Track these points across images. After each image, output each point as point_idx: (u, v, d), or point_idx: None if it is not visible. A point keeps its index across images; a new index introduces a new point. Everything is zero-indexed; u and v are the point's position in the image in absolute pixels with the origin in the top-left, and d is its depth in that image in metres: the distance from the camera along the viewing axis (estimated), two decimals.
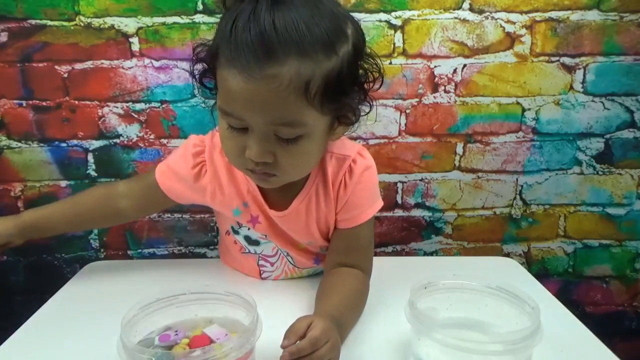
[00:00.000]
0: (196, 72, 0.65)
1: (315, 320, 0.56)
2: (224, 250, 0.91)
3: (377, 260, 0.80)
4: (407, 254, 1.15)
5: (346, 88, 0.61)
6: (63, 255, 1.11)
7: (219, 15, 0.62)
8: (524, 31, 1.01)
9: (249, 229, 0.80)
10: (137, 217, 1.00)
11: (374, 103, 0.68)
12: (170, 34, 0.99)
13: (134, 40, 0.99)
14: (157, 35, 0.99)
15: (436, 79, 1.04)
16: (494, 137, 1.08)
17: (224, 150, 0.67)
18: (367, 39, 0.65)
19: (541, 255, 1.16)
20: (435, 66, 1.03)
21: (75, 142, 1.04)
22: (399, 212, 1.12)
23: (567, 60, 1.03)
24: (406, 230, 1.14)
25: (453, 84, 1.04)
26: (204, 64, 0.64)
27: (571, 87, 1.05)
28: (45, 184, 1.06)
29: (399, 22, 1.00)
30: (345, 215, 0.76)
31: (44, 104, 1.02)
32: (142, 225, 1.11)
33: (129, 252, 1.12)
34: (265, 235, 0.80)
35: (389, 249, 1.15)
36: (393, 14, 1.00)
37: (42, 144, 1.04)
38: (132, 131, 1.04)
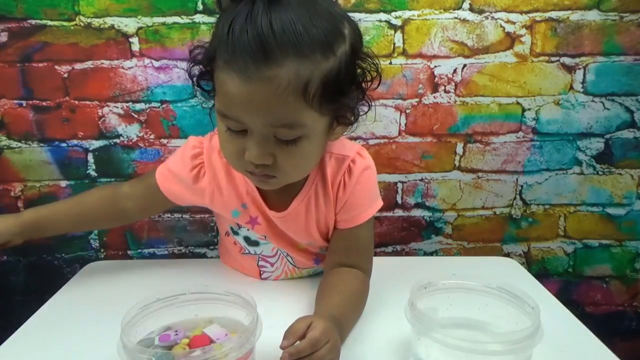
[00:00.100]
0: (193, 74, 0.65)
1: (315, 321, 0.56)
2: (224, 251, 0.91)
3: (377, 260, 0.80)
4: (407, 254, 1.15)
5: (344, 88, 0.61)
6: (63, 255, 1.11)
7: (218, 15, 0.61)
8: (524, 31, 1.01)
9: (248, 229, 0.80)
10: (140, 218, 1.01)
11: (373, 103, 0.68)
12: (170, 34, 0.99)
13: (134, 40, 0.99)
14: (157, 35, 0.99)
15: (436, 79, 1.04)
16: (494, 137, 1.08)
17: (223, 153, 0.67)
18: (367, 39, 0.65)
19: (541, 255, 1.16)
20: (435, 66, 1.03)
21: (75, 142, 1.04)
22: (399, 212, 1.12)
23: (567, 60, 1.03)
24: (406, 230, 1.14)
25: (453, 84, 1.04)
26: (202, 66, 0.64)
27: (571, 87, 1.05)
28: (45, 184, 1.06)
29: (399, 22, 1.00)
30: (345, 216, 0.76)
31: (44, 104, 1.02)
32: (142, 226, 1.11)
33: (129, 252, 1.12)
34: (265, 237, 0.80)
35: (389, 249, 1.15)
36: (393, 14, 1.00)
37: (42, 144, 1.04)
38: (132, 131, 1.04)
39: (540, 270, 1.16)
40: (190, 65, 0.65)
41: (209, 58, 0.61)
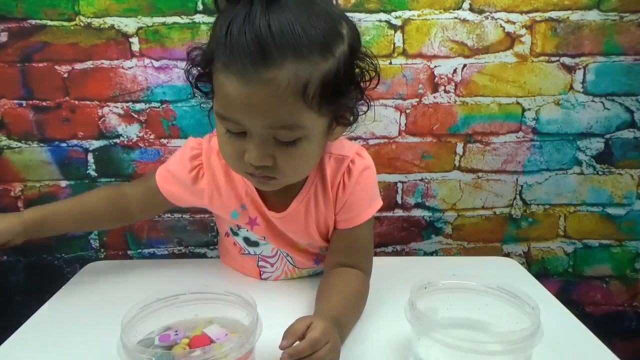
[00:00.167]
0: (191, 76, 0.65)
1: (315, 321, 0.56)
2: (224, 251, 0.91)
3: (377, 260, 0.80)
4: (407, 254, 1.15)
5: (343, 88, 0.61)
6: (63, 255, 1.11)
7: (216, 17, 0.61)
8: (524, 31, 1.01)
9: (247, 230, 0.80)
10: (142, 219, 1.01)
11: (373, 103, 0.68)
12: (170, 34, 0.99)
13: (134, 40, 0.99)
14: (157, 35, 0.99)
15: (436, 79, 1.04)
16: (494, 137, 1.08)
17: (222, 155, 0.67)
18: (367, 39, 0.65)
19: (541, 255, 1.16)
20: (435, 66, 1.03)
21: (75, 142, 1.04)
22: (399, 212, 1.12)
23: (567, 60, 1.03)
24: (406, 230, 1.14)
25: (453, 84, 1.04)
26: (200, 68, 0.63)
27: (571, 87, 1.05)
28: (45, 184, 1.06)
29: (399, 22, 1.00)
30: (345, 216, 0.76)
31: (44, 104, 1.02)
32: (142, 226, 1.11)
33: (129, 252, 1.12)
34: (264, 237, 0.79)
35: (389, 249, 1.15)
36: (393, 14, 1.00)
37: (42, 144, 1.04)
38: (132, 131, 1.04)
39: (540, 270, 1.16)
40: (188, 67, 0.65)
41: (207, 60, 0.61)
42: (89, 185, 1.06)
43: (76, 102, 1.02)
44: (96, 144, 1.05)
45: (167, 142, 1.05)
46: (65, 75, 1.00)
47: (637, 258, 1.15)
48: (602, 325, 1.01)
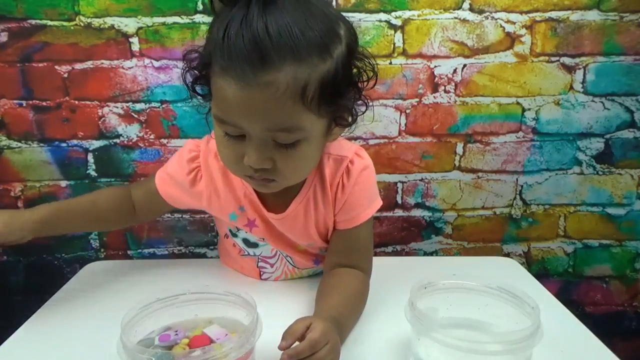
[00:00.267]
0: (188, 79, 0.64)
1: (315, 322, 0.56)
2: (224, 252, 0.91)
3: (377, 260, 0.80)
4: (407, 254, 1.15)
5: (342, 89, 0.61)
6: (63, 255, 1.11)
7: (212, 19, 0.61)
8: (524, 31, 1.01)
9: (246, 232, 0.79)
10: (145, 220, 1.01)
11: (372, 103, 0.68)
12: (170, 34, 0.99)
13: (134, 40, 0.99)
14: (157, 35, 0.99)
15: (436, 79, 1.04)
16: (494, 137, 1.08)
17: (221, 158, 0.67)
18: (367, 39, 0.65)
19: (541, 255, 1.16)
20: (435, 66, 1.03)
21: (75, 142, 1.04)
22: (399, 212, 1.12)
23: (567, 60, 1.03)
24: (406, 230, 1.14)
25: (453, 84, 1.04)
26: (197, 71, 0.63)
27: (571, 87, 1.05)
28: (45, 184, 1.06)
29: (399, 22, 1.00)
30: (344, 216, 0.76)
31: (44, 104, 1.02)
32: (142, 226, 1.10)
33: (129, 252, 1.12)
34: (263, 239, 0.79)
35: (389, 249, 1.15)
36: (393, 14, 1.00)
37: (42, 144, 1.04)
38: (132, 131, 1.04)
39: (540, 270, 1.16)
40: (185, 70, 0.64)
41: (204, 63, 0.61)
42: (89, 185, 1.06)
43: (76, 102, 1.02)
44: (96, 144, 1.05)
45: (167, 142, 1.05)
46: (65, 75, 1.00)
47: (637, 258, 1.15)
48: (602, 325, 1.00)
